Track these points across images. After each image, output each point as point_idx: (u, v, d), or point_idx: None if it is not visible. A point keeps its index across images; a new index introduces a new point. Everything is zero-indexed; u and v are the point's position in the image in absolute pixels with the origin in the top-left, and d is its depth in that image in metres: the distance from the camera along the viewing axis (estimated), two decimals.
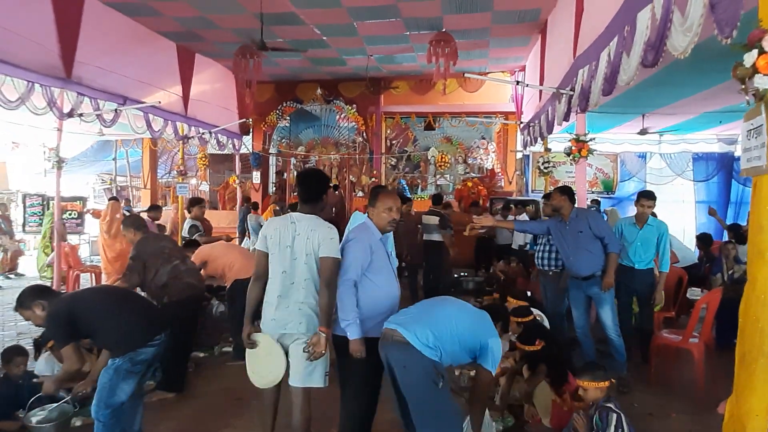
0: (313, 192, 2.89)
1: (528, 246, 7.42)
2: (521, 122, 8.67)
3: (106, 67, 6.78)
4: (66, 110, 6.19)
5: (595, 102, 4.29)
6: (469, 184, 11.75)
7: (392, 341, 2.60)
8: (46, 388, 2.93)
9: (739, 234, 6.56)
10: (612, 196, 10.43)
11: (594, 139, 5.28)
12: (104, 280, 7.64)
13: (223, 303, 5.35)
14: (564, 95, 5.26)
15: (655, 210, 4.87)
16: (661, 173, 10.55)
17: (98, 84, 6.67)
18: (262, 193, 12.29)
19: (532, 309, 3.97)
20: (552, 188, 7.39)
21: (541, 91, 7.61)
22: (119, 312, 2.85)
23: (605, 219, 5.30)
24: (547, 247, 4.87)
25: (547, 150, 7.67)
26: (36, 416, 3.25)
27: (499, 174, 11.92)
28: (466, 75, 5.46)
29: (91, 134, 8.58)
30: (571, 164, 11.56)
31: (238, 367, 4.49)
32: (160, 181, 13.44)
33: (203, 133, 9.12)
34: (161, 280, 3.83)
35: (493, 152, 13.77)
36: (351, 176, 15.00)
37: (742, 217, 10.06)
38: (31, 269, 9.59)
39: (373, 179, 11.51)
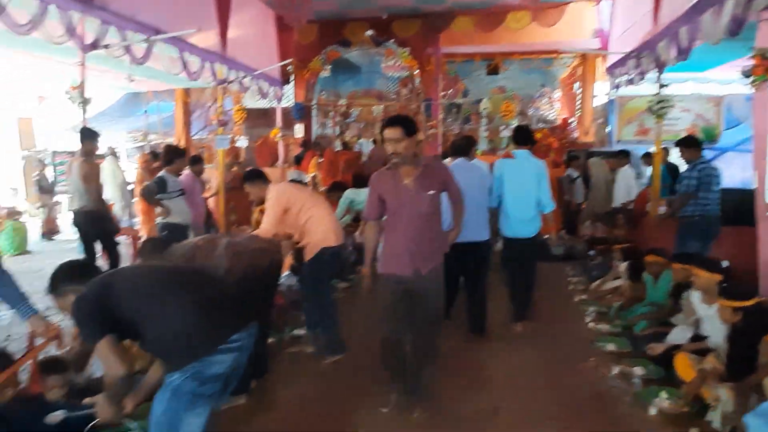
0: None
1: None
2: (624, 53, 7.17)
3: None
4: (88, 41, 5.12)
5: None
6: (538, 135, 10.42)
7: None
8: (102, 414, 1.85)
9: None
10: (714, 146, 8.92)
11: None
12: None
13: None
14: None
15: None
16: None
17: (126, 11, 5.56)
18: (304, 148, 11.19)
19: None
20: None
21: (656, 12, 6.20)
22: (173, 299, 1.80)
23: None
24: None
25: (663, 86, 6.26)
26: None
27: (573, 124, 10.51)
28: None
29: (120, 74, 7.50)
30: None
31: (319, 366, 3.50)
32: (194, 137, 12.43)
33: (244, 76, 7.99)
34: (221, 266, 2.75)
35: (558, 101, 12.36)
36: None
37: None
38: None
39: (432, 130, 10.23)
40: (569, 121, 10.57)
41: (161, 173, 4.64)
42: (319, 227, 3.53)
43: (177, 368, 1.77)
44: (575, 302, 4.91)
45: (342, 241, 3.69)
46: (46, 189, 9.47)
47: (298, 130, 11.07)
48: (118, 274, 1.92)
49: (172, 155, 4.72)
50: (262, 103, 10.72)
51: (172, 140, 12.24)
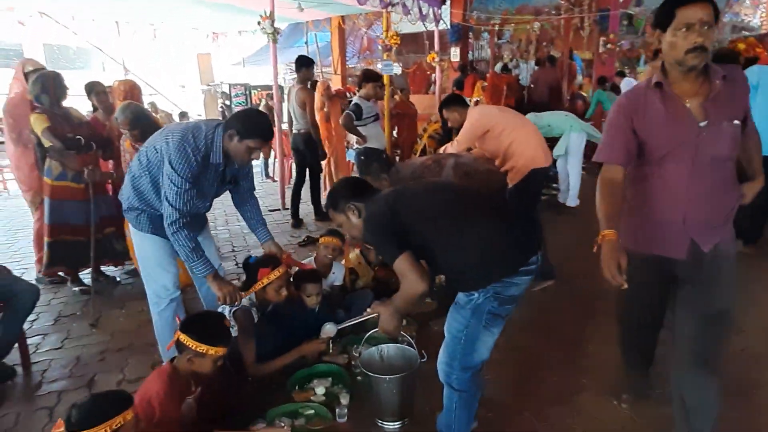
0: None
1: None
2: None
3: None
4: None
5: None
6: (741, 46, 8.80)
7: None
8: (387, 326, 1.88)
9: None
10: None
11: None
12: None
13: None
14: None
15: None
16: None
17: None
18: (462, 72, 10.78)
19: None
20: None
21: None
22: (473, 222, 1.75)
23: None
24: None
25: None
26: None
27: None
28: None
29: (288, 5, 7.69)
30: None
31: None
32: (348, 65, 12.63)
33: None
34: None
35: (765, 3, 10.34)
36: (553, 51, 12.70)
37: None
38: None
39: (609, 46, 9.18)
40: None
41: (355, 99, 4.70)
42: (527, 149, 3.36)
43: (475, 288, 1.76)
44: None
45: (551, 161, 3.47)
46: None
47: (454, 53, 10.65)
48: (399, 194, 1.87)
49: (364, 79, 4.72)
50: (413, 28, 10.44)
51: (329, 69, 12.60)
